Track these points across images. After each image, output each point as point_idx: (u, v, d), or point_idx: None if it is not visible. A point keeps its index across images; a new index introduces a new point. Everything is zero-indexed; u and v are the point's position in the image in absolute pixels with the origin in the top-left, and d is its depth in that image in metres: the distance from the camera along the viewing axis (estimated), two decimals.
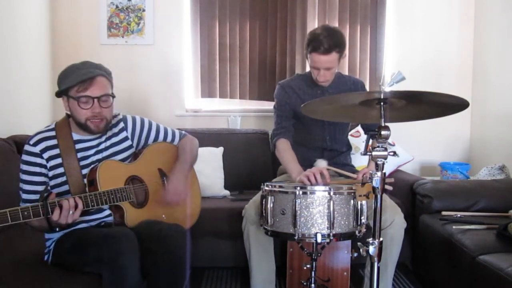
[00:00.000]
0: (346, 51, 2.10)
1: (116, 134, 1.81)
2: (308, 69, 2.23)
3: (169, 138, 1.98)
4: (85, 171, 1.68)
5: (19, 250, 1.83)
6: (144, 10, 3.27)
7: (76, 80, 1.59)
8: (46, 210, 1.42)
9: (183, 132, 2.06)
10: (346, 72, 3.33)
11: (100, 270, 1.47)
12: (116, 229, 1.62)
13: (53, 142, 1.67)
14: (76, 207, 1.48)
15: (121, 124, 1.83)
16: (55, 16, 3.24)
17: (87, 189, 1.64)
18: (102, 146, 1.75)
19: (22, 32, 2.80)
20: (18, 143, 2.31)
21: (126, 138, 1.83)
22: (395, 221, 1.91)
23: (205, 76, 3.34)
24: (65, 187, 1.66)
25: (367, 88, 3.33)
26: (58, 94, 1.66)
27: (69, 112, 1.67)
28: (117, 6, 3.27)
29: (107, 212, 1.72)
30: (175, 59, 3.33)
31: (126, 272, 1.43)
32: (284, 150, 2.16)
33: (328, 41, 1.98)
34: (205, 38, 3.31)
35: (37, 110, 3.04)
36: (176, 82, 3.34)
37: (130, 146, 1.85)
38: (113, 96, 1.69)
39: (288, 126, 2.22)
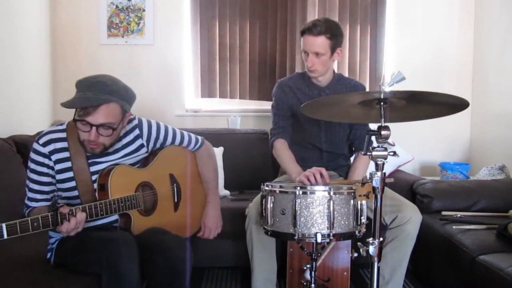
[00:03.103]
0: (341, 48, 2.08)
1: (131, 143, 1.73)
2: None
3: (185, 144, 1.93)
4: (95, 177, 1.63)
5: (21, 248, 1.82)
6: (144, 10, 3.27)
7: (78, 104, 1.48)
8: (55, 221, 1.38)
9: (200, 138, 1.98)
10: (346, 72, 3.33)
11: (100, 272, 1.47)
12: (116, 234, 1.59)
13: (63, 144, 1.61)
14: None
15: (136, 131, 1.74)
16: (55, 16, 3.23)
17: (96, 194, 1.61)
18: (116, 156, 1.69)
19: (22, 32, 2.80)
20: (18, 143, 2.31)
21: (141, 146, 1.76)
22: (412, 218, 1.94)
23: (205, 76, 3.34)
24: (74, 192, 1.63)
25: (367, 89, 3.34)
26: None
27: None
28: (117, 6, 3.26)
29: (115, 217, 1.68)
30: (175, 59, 3.33)
31: (125, 278, 1.42)
32: (282, 150, 2.16)
33: (320, 24, 1.99)
34: (205, 38, 3.31)
35: (37, 110, 3.04)
36: (176, 82, 3.34)
37: (145, 153, 1.80)
38: (117, 126, 1.57)
39: (285, 126, 2.21)
